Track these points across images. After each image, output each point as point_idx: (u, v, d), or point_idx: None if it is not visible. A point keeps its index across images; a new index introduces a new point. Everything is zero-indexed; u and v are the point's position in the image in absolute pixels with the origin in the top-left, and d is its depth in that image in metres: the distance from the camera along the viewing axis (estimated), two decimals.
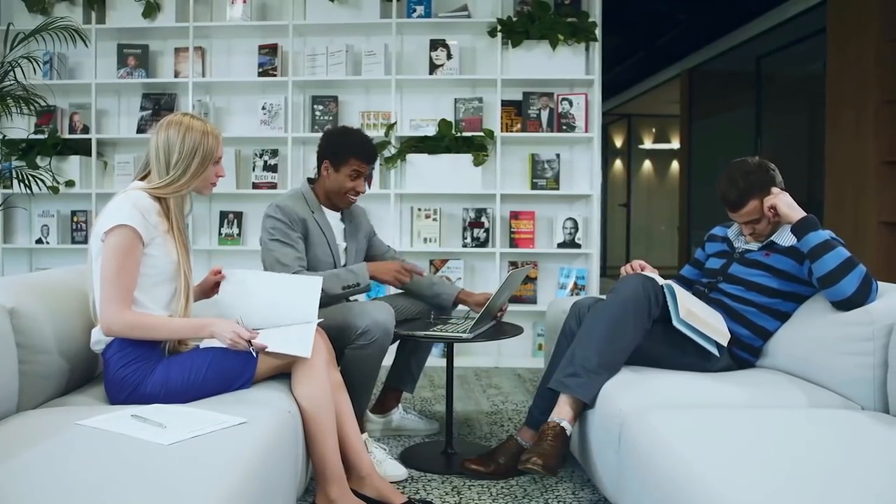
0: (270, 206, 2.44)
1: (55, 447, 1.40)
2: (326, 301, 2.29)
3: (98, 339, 1.84)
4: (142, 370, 1.79)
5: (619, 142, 10.82)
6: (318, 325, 1.98)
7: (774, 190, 2.14)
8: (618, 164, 10.78)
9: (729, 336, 2.12)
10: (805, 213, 2.07)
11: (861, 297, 1.91)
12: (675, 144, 9.60)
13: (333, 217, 2.56)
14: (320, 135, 3.95)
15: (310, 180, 2.58)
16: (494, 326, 2.53)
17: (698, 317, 2.05)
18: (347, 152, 2.44)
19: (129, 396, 1.78)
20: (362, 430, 2.30)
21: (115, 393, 1.80)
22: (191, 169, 1.89)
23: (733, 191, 2.16)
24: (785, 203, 2.09)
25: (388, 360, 2.75)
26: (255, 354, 1.84)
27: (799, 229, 2.05)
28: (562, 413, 2.01)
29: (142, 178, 1.95)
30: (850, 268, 1.93)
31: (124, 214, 1.79)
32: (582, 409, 2.05)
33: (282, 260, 2.36)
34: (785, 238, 2.18)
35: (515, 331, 2.48)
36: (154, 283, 1.85)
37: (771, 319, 2.18)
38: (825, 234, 2.03)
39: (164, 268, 1.86)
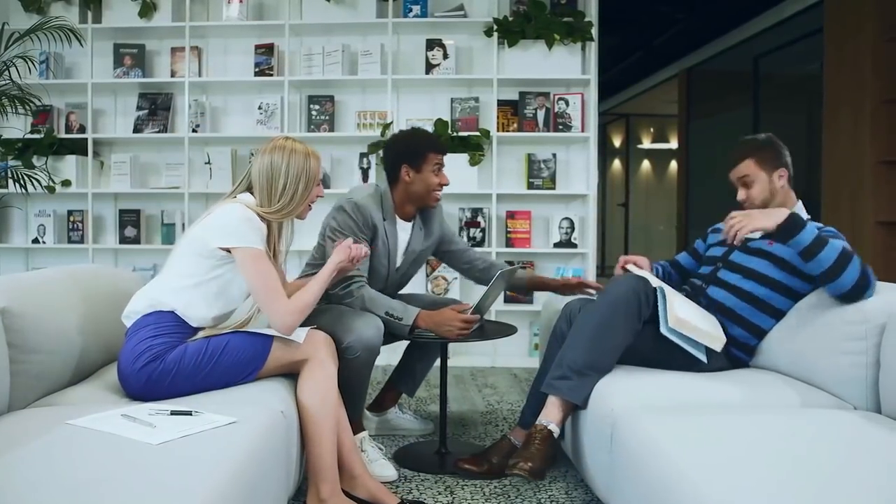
0: (348, 201, 2.36)
1: (44, 447, 1.40)
2: (348, 303, 2.27)
3: (136, 311, 1.89)
4: (168, 344, 1.83)
5: (617, 142, 10.83)
6: (313, 327, 2.02)
7: (736, 214, 1.99)
8: (616, 163, 10.79)
9: (724, 340, 2.09)
10: (784, 215, 1.93)
11: (863, 287, 1.88)
12: (673, 144, 9.60)
13: (402, 227, 2.51)
14: (317, 134, 4.05)
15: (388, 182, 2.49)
16: (480, 327, 2.47)
17: (688, 323, 2.02)
18: (424, 149, 2.42)
19: (143, 368, 1.79)
20: (362, 429, 2.31)
21: (131, 362, 1.81)
22: (298, 194, 1.95)
23: (735, 149, 2.24)
24: (757, 219, 1.94)
25: (395, 358, 2.77)
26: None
27: (784, 233, 1.92)
28: (550, 415, 2.00)
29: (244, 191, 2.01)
30: (848, 260, 1.88)
31: (253, 238, 1.87)
32: (573, 410, 2.05)
33: None
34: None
35: (509, 330, 2.47)
36: (216, 294, 1.91)
37: (766, 317, 2.15)
38: (812, 229, 1.94)
39: (236, 289, 1.93)
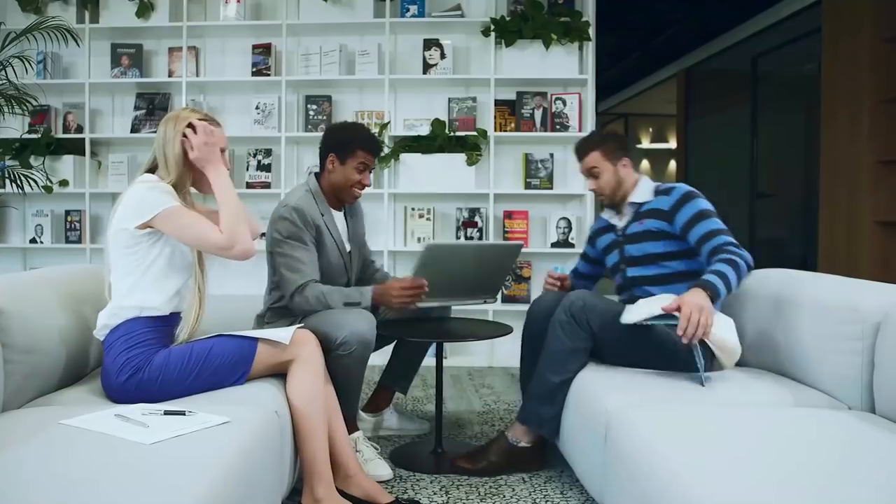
0: (284, 207, 2.33)
1: (37, 447, 1.40)
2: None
3: (105, 324, 1.86)
4: (146, 354, 1.81)
5: None
6: (300, 326, 2.01)
7: (690, 315, 1.89)
8: None
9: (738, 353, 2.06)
10: (701, 292, 1.93)
11: (750, 266, 2.08)
12: (672, 144, 9.60)
13: (339, 217, 2.51)
14: (314, 134, 4.04)
15: (316, 175, 2.50)
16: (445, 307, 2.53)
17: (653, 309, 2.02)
18: (354, 144, 2.41)
19: (128, 380, 1.78)
20: (356, 429, 2.31)
21: (114, 377, 1.79)
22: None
23: (581, 144, 2.47)
24: (706, 315, 1.89)
25: (384, 359, 2.77)
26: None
27: (714, 301, 1.96)
28: (517, 433, 2.26)
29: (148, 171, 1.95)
30: (738, 267, 2.04)
31: (162, 200, 1.80)
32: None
33: (296, 266, 2.29)
34: (638, 195, 2.38)
35: (505, 330, 2.47)
36: (165, 272, 1.87)
37: (685, 285, 2.13)
38: (712, 279, 1.98)
39: (179, 259, 1.89)
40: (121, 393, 1.80)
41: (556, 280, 2.65)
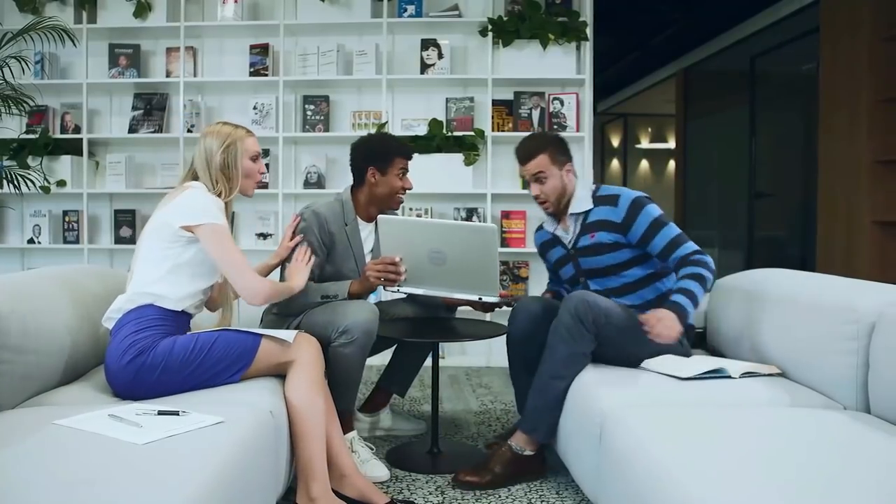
0: (306, 209, 2.43)
1: (30, 447, 1.40)
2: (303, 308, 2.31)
3: (119, 308, 1.91)
4: (153, 337, 1.84)
5: (615, 141, 10.81)
6: (304, 325, 2.06)
7: (653, 325, 2.00)
8: (615, 163, 10.77)
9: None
10: (677, 320, 2.02)
11: (714, 275, 2.16)
12: (671, 144, 9.59)
13: (367, 229, 2.54)
14: (312, 134, 4.05)
15: (351, 188, 2.54)
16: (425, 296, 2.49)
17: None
18: (391, 153, 2.46)
19: (130, 363, 1.80)
20: (352, 428, 2.30)
21: (117, 358, 1.82)
22: (234, 167, 2.02)
23: (525, 145, 2.33)
24: (672, 330, 1.99)
25: (383, 360, 2.77)
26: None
27: (687, 331, 2.16)
28: (519, 440, 2.19)
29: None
30: (703, 281, 2.10)
31: (216, 214, 1.92)
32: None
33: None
34: (577, 205, 2.31)
35: (501, 330, 2.47)
36: (191, 274, 1.94)
37: (648, 289, 2.28)
38: (691, 310, 2.07)
39: (208, 267, 1.97)
40: (121, 377, 1.82)
41: None
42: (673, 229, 2.19)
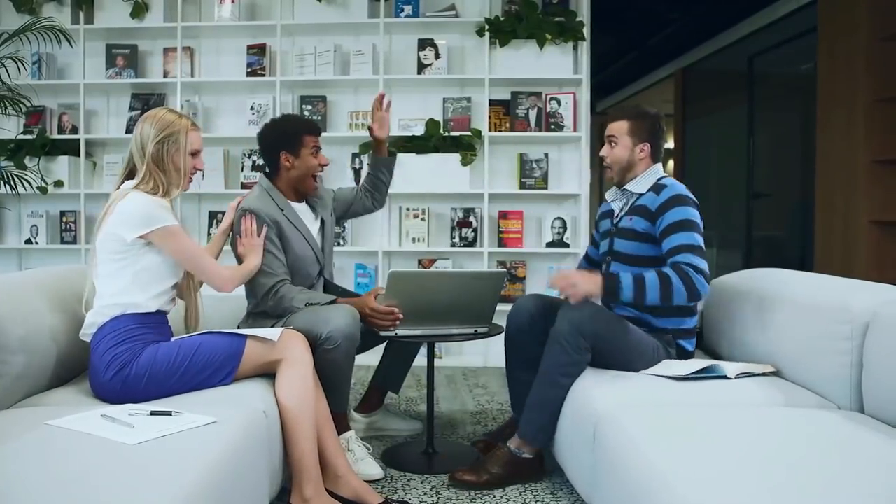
0: (240, 210, 2.35)
1: (23, 447, 1.40)
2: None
3: (92, 323, 1.87)
4: (132, 350, 1.81)
5: None
6: (288, 327, 2.03)
7: (557, 279, 2.13)
8: None
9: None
10: (600, 283, 2.08)
11: (695, 298, 2.05)
12: (669, 144, 9.58)
13: (301, 208, 2.51)
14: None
15: (266, 175, 2.51)
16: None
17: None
18: (300, 132, 2.43)
19: (114, 377, 1.79)
20: (348, 428, 2.30)
21: (101, 374, 1.80)
22: (168, 156, 1.93)
23: (620, 108, 2.41)
24: (582, 287, 2.07)
25: (376, 358, 2.76)
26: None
27: (608, 296, 2.11)
28: (519, 444, 2.19)
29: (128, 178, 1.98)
30: (669, 285, 2.02)
31: (163, 217, 1.87)
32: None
33: (266, 269, 2.29)
34: (635, 184, 2.31)
35: (498, 330, 2.47)
36: (152, 277, 1.90)
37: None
38: (628, 286, 2.05)
39: (165, 264, 1.93)
40: (107, 391, 1.80)
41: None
42: (694, 238, 2.09)
